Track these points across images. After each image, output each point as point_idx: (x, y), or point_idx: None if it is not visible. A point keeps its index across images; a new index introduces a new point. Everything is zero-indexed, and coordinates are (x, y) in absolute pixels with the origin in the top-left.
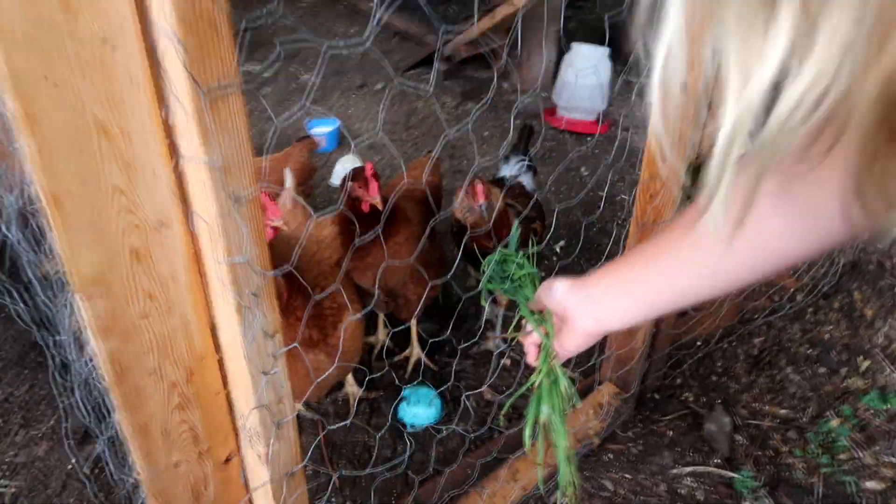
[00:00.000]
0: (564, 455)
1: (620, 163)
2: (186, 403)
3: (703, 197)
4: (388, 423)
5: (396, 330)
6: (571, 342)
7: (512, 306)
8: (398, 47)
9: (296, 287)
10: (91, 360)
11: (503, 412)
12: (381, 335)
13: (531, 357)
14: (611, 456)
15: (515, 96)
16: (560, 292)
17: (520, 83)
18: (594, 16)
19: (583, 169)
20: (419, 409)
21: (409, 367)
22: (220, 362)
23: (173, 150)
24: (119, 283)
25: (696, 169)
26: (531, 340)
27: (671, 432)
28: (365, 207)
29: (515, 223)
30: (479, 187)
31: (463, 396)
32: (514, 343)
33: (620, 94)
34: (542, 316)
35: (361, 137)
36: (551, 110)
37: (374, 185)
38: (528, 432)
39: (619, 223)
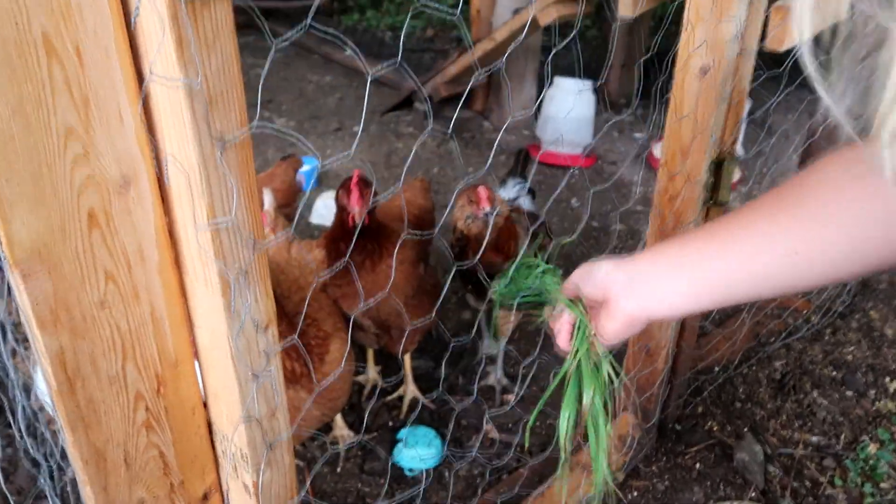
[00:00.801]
0: (606, 450)
1: (609, 192)
2: (155, 422)
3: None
4: (384, 468)
5: (389, 380)
6: (610, 327)
7: (516, 338)
8: (375, 93)
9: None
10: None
11: (530, 424)
12: (372, 373)
13: (563, 340)
14: (636, 494)
15: (496, 134)
16: (602, 272)
17: (501, 119)
18: (575, 51)
19: (573, 200)
20: (418, 451)
21: (405, 407)
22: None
23: (142, 77)
24: (70, 259)
25: (717, 165)
26: (564, 320)
27: (699, 465)
28: (351, 221)
29: (528, 235)
30: (484, 192)
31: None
32: (519, 377)
33: (604, 132)
34: (576, 302)
35: (342, 176)
36: (535, 146)
37: (356, 194)
38: (563, 427)
39: (615, 251)
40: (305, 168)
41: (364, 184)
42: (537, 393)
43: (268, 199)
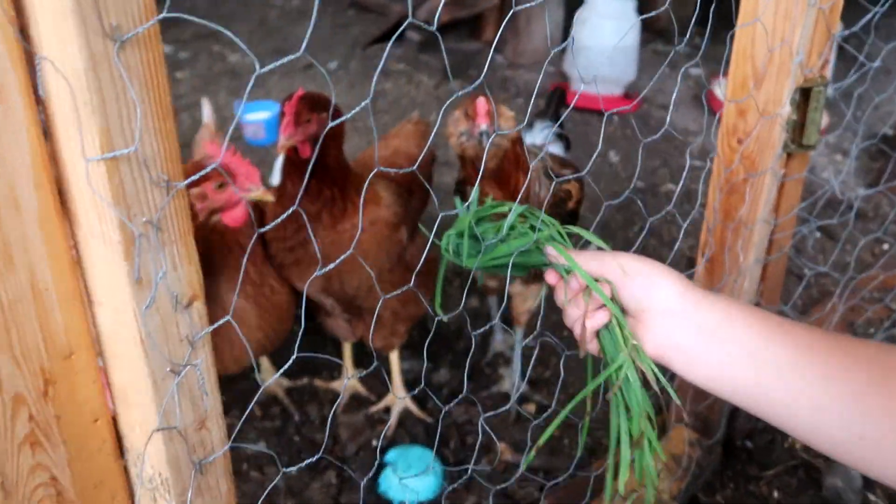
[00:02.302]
0: (655, 478)
1: (658, 144)
2: (43, 436)
3: None
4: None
5: (368, 371)
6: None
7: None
8: (356, 19)
9: None
10: None
11: (540, 442)
12: (351, 376)
13: (585, 338)
14: None
15: (512, 71)
16: (666, 290)
17: (519, 52)
18: None
19: (612, 154)
20: (412, 480)
21: (392, 421)
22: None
23: None
24: None
25: (804, 94)
26: (593, 309)
27: (777, 493)
28: (303, 152)
29: (550, 185)
30: (483, 105)
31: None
32: (537, 380)
33: (649, 64)
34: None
35: None
36: (563, 85)
37: (287, 117)
38: (619, 470)
39: (667, 218)
40: (264, 115)
41: (308, 103)
42: (566, 400)
43: (207, 110)
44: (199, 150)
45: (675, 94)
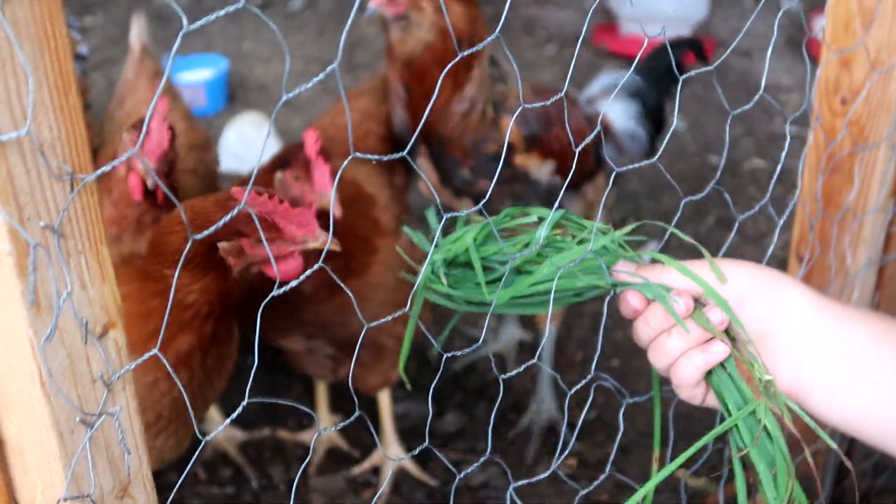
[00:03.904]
0: None
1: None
2: None
3: None
4: None
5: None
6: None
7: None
8: None
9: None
10: None
11: None
12: (326, 425)
13: (684, 381)
14: None
15: (538, 9)
16: (796, 306)
17: None
18: None
19: (674, 119)
20: None
21: (383, 483)
22: None
23: None
24: None
25: None
26: (701, 342)
27: None
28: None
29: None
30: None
31: None
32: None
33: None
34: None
35: (271, 89)
36: (608, 26)
37: (323, 170)
38: None
39: (752, 206)
40: (204, 75)
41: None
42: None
43: (136, 28)
44: (119, 111)
45: (772, 40)
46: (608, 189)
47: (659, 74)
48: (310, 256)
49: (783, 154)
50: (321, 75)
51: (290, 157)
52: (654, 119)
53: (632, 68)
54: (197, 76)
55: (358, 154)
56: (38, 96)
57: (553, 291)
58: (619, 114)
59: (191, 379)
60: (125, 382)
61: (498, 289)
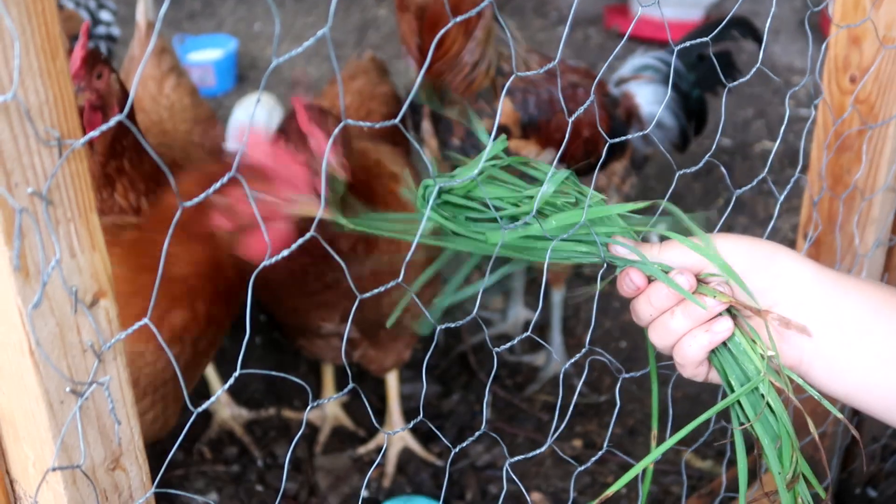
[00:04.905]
0: None
1: (751, 86)
2: None
3: None
4: None
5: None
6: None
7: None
8: None
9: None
10: None
11: (645, 491)
12: (332, 406)
13: (688, 359)
14: None
15: None
16: (796, 276)
17: None
18: None
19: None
20: None
21: (390, 466)
22: None
23: None
24: None
25: None
26: (706, 320)
27: None
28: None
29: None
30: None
31: None
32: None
33: None
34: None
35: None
36: (618, 8)
37: (318, 136)
38: None
39: (762, 188)
40: (213, 55)
41: (317, 116)
42: (623, 435)
43: (142, 7)
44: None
45: (775, 18)
46: (630, 177)
47: (697, 58)
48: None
49: (799, 137)
50: (311, 40)
51: (285, 129)
52: (690, 109)
53: (677, 50)
54: (206, 56)
55: (350, 121)
56: (24, 60)
57: (549, 252)
58: (647, 98)
59: (179, 356)
60: (116, 352)
61: (497, 232)
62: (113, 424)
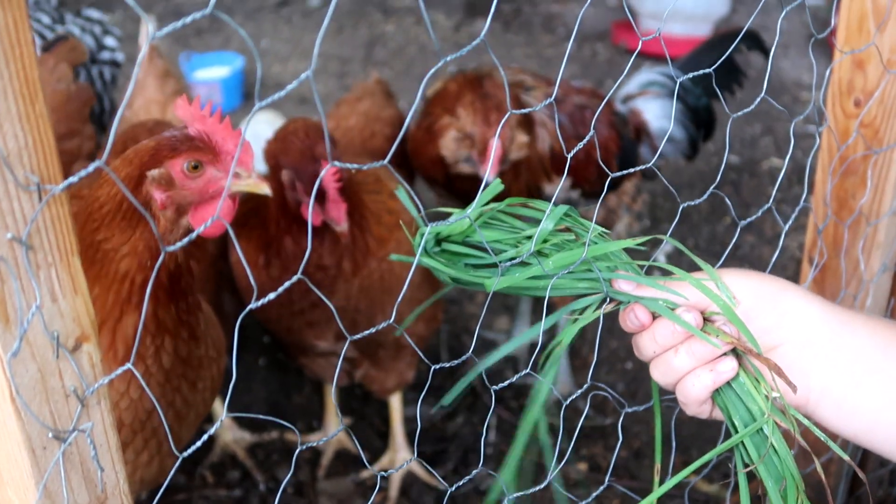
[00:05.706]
0: None
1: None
2: None
3: None
4: None
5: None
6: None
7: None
8: None
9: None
10: None
11: None
12: (334, 427)
13: (691, 397)
14: None
15: (560, 6)
16: (803, 315)
17: None
18: None
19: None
20: None
21: (395, 490)
22: None
23: None
24: None
25: None
26: (709, 360)
27: None
28: (315, 220)
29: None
30: (495, 148)
31: None
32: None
33: None
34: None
35: (281, 81)
36: (627, 24)
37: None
38: None
39: (773, 205)
40: (220, 73)
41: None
42: (627, 462)
43: (146, 30)
44: (127, 111)
45: (783, 35)
46: (641, 194)
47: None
48: (333, 240)
49: (806, 156)
50: (294, 83)
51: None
52: (698, 119)
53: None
54: (213, 74)
55: (349, 165)
56: (3, 105)
57: (549, 289)
58: (655, 114)
59: (148, 378)
60: (100, 397)
61: (493, 277)
62: (98, 470)
